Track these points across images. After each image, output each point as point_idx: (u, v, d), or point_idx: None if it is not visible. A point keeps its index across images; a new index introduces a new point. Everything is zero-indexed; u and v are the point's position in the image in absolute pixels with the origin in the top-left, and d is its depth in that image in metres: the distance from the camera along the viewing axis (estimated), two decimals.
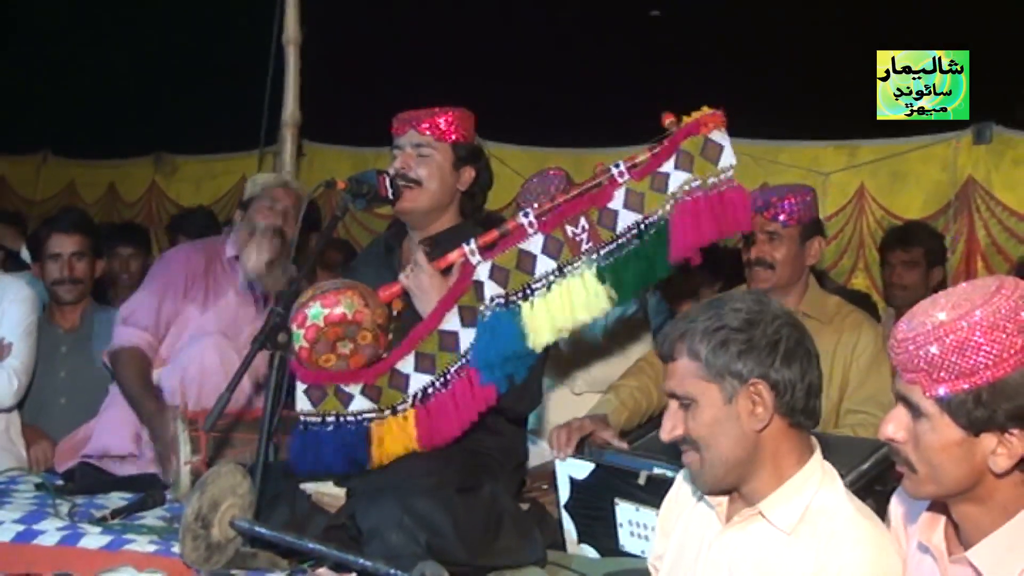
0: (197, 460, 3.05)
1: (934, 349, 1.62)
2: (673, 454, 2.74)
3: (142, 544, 2.69)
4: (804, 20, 8.72)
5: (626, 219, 2.74)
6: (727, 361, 1.89)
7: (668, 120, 2.78)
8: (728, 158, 2.71)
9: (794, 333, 1.93)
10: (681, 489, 2.18)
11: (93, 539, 2.72)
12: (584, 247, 2.73)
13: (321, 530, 2.66)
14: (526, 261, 2.75)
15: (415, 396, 2.75)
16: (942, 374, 1.62)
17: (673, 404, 1.97)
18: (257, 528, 2.48)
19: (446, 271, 2.79)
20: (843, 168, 6.01)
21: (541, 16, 9.29)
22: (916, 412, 1.67)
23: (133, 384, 3.48)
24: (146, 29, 10.13)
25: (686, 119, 2.76)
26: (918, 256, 4.56)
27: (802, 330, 1.96)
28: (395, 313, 2.83)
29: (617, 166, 2.78)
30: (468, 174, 2.98)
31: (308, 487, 2.81)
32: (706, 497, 2.05)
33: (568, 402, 3.45)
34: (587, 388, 3.52)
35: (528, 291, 2.72)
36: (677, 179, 2.72)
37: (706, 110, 2.75)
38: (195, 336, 3.49)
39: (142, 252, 4.97)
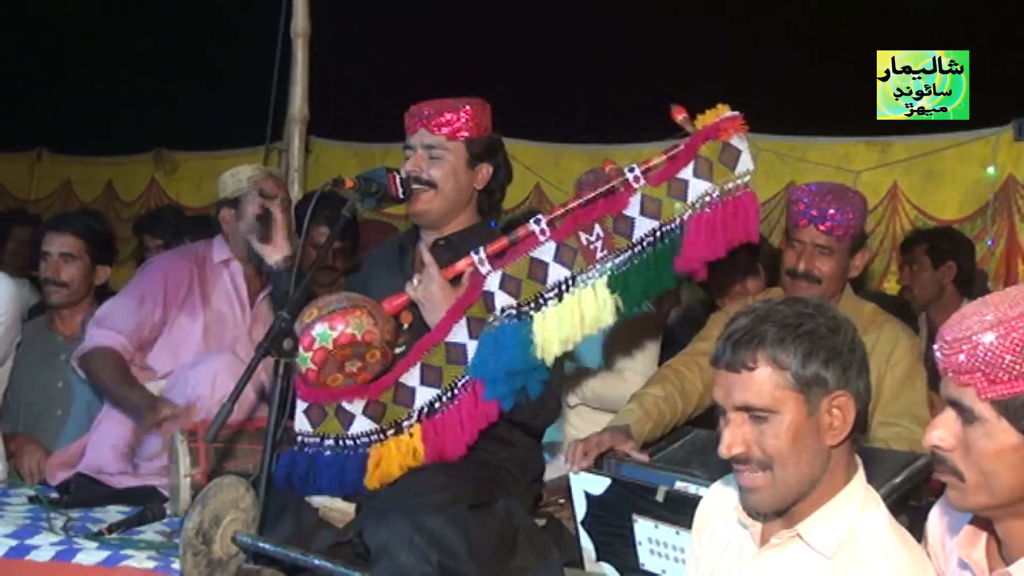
0: (197, 472, 2.97)
1: (993, 349, 1.56)
2: (696, 468, 2.68)
3: (140, 560, 2.63)
4: (804, 20, 8.71)
5: (643, 226, 2.65)
6: (817, 370, 1.79)
7: (680, 116, 2.68)
8: (746, 164, 2.62)
9: (862, 339, 1.87)
10: (710, 506, 2.10)
11: (89, 554, 2.65)
12: (599, 255, 2.65)
13: (327, 546, 2.56)
14: (538, 270, 2.66)
15: (421, 411, 2.67)
16: (1000, 374, 1.56)
17: (738, 418, 1.84)
18: (260, 544, 2.39)
19: (455, 281, 2.70)
20: (875, 166, 5.84)
21: (556, 6, 9.19)
22: (969, 416, 1.61)
23: (113, 380, 3.40)
24: (146, 18, 10.04)
25: (700, 118, 2.67)
26: (918, 255, 4.56)
27: None
28: (404, 326, 2.74)
29: (632, 170, 2.69)
30: (485, 171, 2.86)
31: (315, 500, 2.72)
32: (740, 518, 1.96)
33: (587, 414, 3.37)
34: (579, 401, 3.46)
35: (541, 301, 2.63)
36: (697, 188, 2.63)
37: (722, 109, 2.66)
38: (206, 355, 3.41)
39: None
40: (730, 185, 2.61)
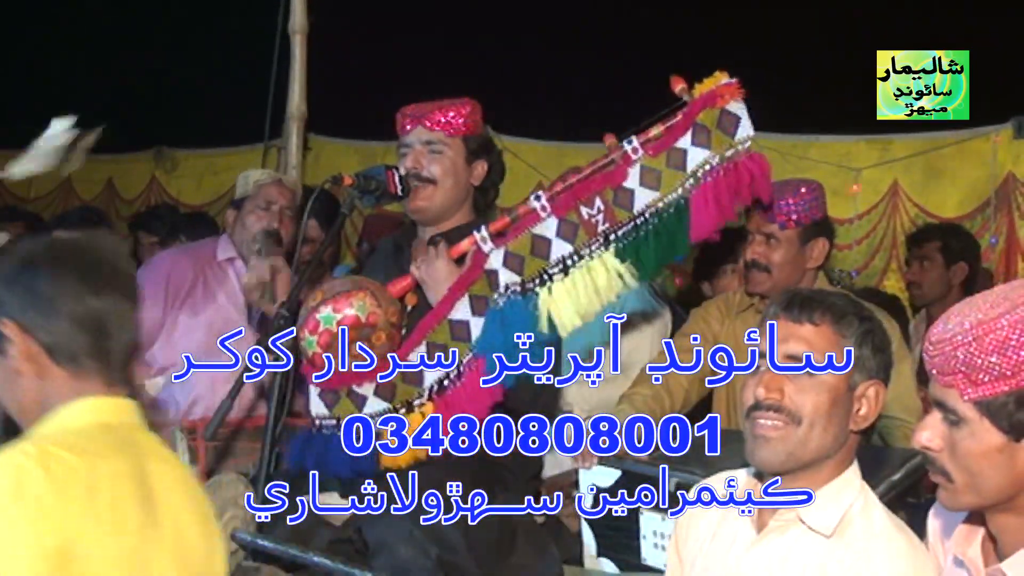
0: (196, 470, 2.95)
1: (972, 349, 1.55)
2: (695, 465, 2.68)
3: None
4: (804, 20, 8.71)
5: (643, 198, 2.63)
6: (868, 352, 1.86)
7: (679, 86, 2.67)
8: (746, 129, 2.59)
9: None
10: (695, 509, 2.11)
11: None
12: (600, 228, 2.63)
13: (326, 543, 2.57)
14: (541, 246, 2.64)
15: (431, 389, 2.65)
16: (981, 376, 1.55)
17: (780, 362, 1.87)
18: (259, 541, 2.40)
19: (459, 261, 2.71)
20: (876, 164, 5.85)
21: (559, 2, 9.18)
22: (953, 417, 1.60)
23: None
24: (146, 16, 10.03)
25: (699, 86, 2.65)
26: (931, 251, 4.51)
27: None
28: (408, 308, 2.74)
29: (630, 142, 2.66)
30: (481, 168, 2.92)
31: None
32: (738, 506, 1.97)
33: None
34: (586, 415, 3.46)
35: (545, 276, 2.62)
36: (695, 156, 2.61)
37: (719, 76, 2.64)
38: (207, 354, 3.39)
39: None
40: (730, 152, 2.58)
